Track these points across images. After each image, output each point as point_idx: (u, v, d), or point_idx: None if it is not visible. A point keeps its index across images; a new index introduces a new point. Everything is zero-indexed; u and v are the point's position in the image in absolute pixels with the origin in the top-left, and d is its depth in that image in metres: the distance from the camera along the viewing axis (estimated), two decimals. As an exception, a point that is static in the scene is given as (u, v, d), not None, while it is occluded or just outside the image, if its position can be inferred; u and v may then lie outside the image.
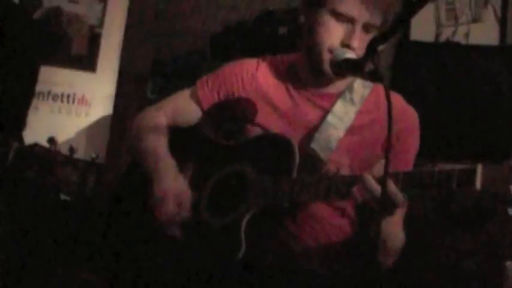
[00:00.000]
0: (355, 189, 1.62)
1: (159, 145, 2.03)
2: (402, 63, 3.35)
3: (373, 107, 1.98)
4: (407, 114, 1.98)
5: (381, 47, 1.61)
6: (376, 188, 1.57)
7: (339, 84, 1.99)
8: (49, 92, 3.68)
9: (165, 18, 3.93)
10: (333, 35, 1.87)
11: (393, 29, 1.60)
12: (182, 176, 1.96)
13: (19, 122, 2.54)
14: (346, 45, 1.84)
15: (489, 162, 1.45)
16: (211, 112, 2.11)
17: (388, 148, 1.50)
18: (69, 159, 1.88)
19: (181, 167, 2.00)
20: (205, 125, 2.13)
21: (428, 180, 1.52)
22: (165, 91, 3.44)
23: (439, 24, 3.50)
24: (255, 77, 2.06)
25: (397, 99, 1.99)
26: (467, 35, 3.45)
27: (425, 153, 2.01)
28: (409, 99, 2.03)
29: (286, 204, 1.77)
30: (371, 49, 1.60)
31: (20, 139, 2.42)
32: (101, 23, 3.82)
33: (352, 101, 1.97)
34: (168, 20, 3.92)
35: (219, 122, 2.12)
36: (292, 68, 2.06)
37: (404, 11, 1.54)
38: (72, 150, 1.90)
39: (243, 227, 1.77)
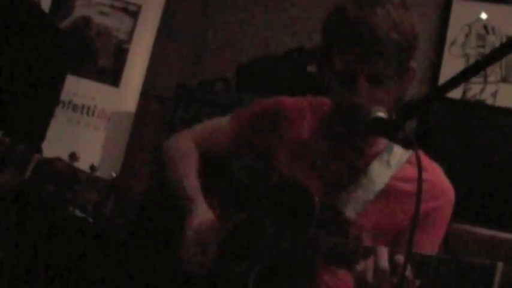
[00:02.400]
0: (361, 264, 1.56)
1: (191, 182, 2.03)
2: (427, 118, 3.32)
3: (409, 175, 1.84)
4: (445, 192, 1.87)
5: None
6: (384, 266, 1.51)
7: (379, 143, 1.89)
8: (70, 102, 3.66)
9: (195, 42, 3.92)
10: (338, 96, 1.80)
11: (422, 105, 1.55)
12: (214, 222, 1.92)
13: (40, 133, 2.52)
14: (350, 104, 1.75)
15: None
16: (239, 146, 2.06)
17: (413, 225, 1.42)
18: (90, 177, 1.86)
19: (208, 201, 1.97)
20: (232, 160, 2.09)
21: (445, 268, 1.45)
22: (186, 115, 3.43)
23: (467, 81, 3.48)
24: (291, 120, 1.97)
25: (437, 172, 1.88)
26: (495, 94, 3.43)
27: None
28: (433, 156, 1.93)
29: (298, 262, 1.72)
30: (401, 117, 1.55)
31: (39, 150, 2.40)
32: (130, 38, 3.80)
33: (388, 163, 1.86)
34: (197, 44, 3.91)
35: (245, 158, 2.08)
36: (332, 116, 1.94)
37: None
38: (93, 168, 1.88)
39: (250, 282, 1.73)
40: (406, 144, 1.61)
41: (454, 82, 1.47)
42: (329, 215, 1.78)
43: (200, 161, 2.10)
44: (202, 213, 1.92)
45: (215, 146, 2.10)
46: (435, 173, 1.87)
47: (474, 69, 1.46)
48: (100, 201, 1.85)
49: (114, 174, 1.86)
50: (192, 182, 2.02)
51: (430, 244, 1.81)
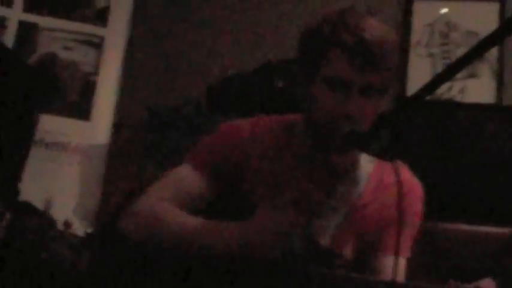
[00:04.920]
0: None
1: (192, 219, 1.75)
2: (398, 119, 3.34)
3: (377, 184, 1.84)
4: (413, 188, 1.86)
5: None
6: None
7: (347, 160, 1.84)
8: (42, 140, 3.63)
9: (162, 67, 3.91)
10: (328, 104, 1.71)
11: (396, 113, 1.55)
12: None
13: (16, 175, 2.50)
14: (341, 113, 1.68)
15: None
16: (219, 191, 1.86)
17: (398, 235, 1.45)
18: (63, 235, 1.84)
19: None
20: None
21: None
22: (158, 143, 3.42)
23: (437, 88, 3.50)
24: (248, 145, 1.84)
25: (404, 171, 1.85)
26: (462, 90, 3.46)
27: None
28: (404, 157, 1.87)
29: None
30: (375, 131, 1.55)
31: (17, 192, 2.38)
32: (96, 70, 3.79)
33: (355, 179, 1.82)
34: (165, 69, 3.91)
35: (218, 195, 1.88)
36: (291, 133, 1.87)
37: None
38: (67, 224, 1.86)
39: None
40: (383, 155, 1.60)
41: (423, 92, 1.46)
42: (306, 246, 1.71)
43: None
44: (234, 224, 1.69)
45: (192, 201, 1.83)
46: (403, 172, 1.84)
47: (442, 78, 1.46)
48: (75, 259, 1.83)
49: (89, 230, 1.84)
50: (192, 219, 1.74)
51: (405, 242, 1.81)
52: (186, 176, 1.83)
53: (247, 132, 1.86)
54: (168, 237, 1.70)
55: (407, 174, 1.88)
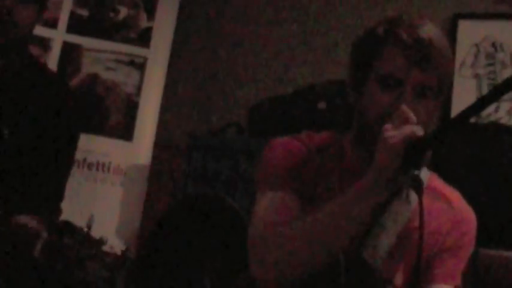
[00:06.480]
0: None
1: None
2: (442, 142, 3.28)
3: (429, 206, 1.67)
4: (469, 217, 1.81)
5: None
6: None
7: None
8: (84, 160, 3.66)
9: (203, 88, 3.92)
10: (381, 104, 1.64)
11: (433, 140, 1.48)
12: None
13: (59, 195, 2.51)
14: (393, 112, 1.57)
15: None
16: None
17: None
18: (99, 253, 1.82)
19: None
20: None
21: None
22: (200, 164, 3.42)
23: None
24: (296, 162, 1.76)
25: (457, 198, 1.80)
26: (510, 112, 3.39)
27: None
28: (450, 181, 1.87)
29: None
30: (412, 157, 1.45)
31: (59, 211, 2.39)
32: (139, 91, 3.81)
33: (408, 198, 1.72)
34: (206, 90, 3.91)
35: None
36: (339, 148, 1.80)
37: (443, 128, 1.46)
38: (102, 242, 1.85)
39: None
40: (413, 186, 1.49)
41: (467, 114, 1.42)
42: (356, 270, 1.67)
43: None
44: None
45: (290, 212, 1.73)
46: (456, 199, 1.81)
47: (488, 99, 1.41)
48: (111, 277, 1.82)
49: (124, 248, 1.83)
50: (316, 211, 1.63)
51: (457, 270, 1.77)
52: (277, 201, 1.73)
53: (305, 146, 1.80)
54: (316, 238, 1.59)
55: (461, 201, 1.82)
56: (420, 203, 1.44)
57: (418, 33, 1.65)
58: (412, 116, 1.53)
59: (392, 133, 1.49)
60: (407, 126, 1.49)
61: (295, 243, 1.59)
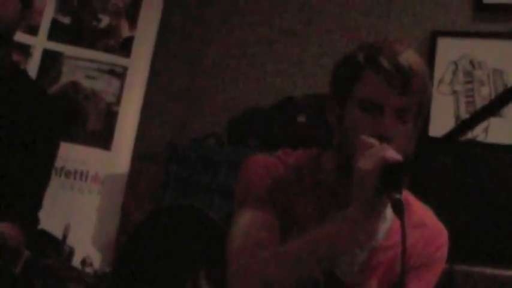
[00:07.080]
0: None
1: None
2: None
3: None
4: (441, 234, 1.85)
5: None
6: None
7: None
8: (62, 168, 3.64)
9: (184, 99, 3.92)
10: (362, 126, 1.66)
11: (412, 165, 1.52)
12: None
13: (37, 204, 2.49)
14: (375, 134, 1.62)
15: None
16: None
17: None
18: (81, 275, 1.82)
19: None
20: None
21: None
22: (179, 174, 3.42)
23: (458, 118, 3.47)
24: (274, 180, 1.79)
25: (429, 215, 1.85)
26: (486, 129, 3.42)
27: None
28: (427, 199, 1.90)
29: None
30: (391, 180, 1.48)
31: (37, 221, 2.37)
32: (118, 100, 3.80)
33: (384, 216, 1.70)
34: (187, 101, 3.91)
35: None
36: (317, 167, 1.83)
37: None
38: (84, 263, 1.84)
39: None
40: (394, 208, 1.48)
41: (447, 138, 1.44)
42: (330, 283, 1.69)
43: None
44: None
45: (275, 237, 1.75)
46: (429, 216, 1.86)
47: (467, 125, 1.42)
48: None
49: (107, 270, 1.82)
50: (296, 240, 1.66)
51: (430, 284, 1.80)
52: (256, 220, 1.75)
53: (282, 164, 1.83)
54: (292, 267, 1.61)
55: (432, 218, 1.86)
56: (402, 226, 1.44)
57: (398, 59, 1.67)
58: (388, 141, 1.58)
59: (364, 161, 1.52)
60: (379, 150, 1.53)
61: (275, 269, 1.61)
